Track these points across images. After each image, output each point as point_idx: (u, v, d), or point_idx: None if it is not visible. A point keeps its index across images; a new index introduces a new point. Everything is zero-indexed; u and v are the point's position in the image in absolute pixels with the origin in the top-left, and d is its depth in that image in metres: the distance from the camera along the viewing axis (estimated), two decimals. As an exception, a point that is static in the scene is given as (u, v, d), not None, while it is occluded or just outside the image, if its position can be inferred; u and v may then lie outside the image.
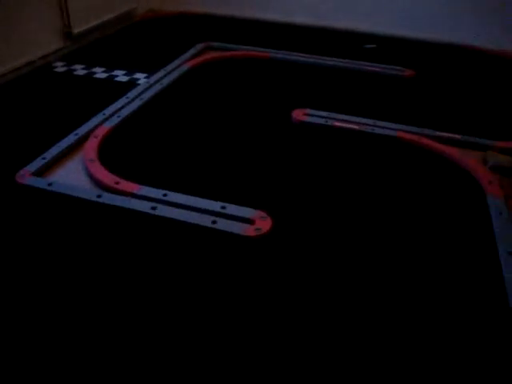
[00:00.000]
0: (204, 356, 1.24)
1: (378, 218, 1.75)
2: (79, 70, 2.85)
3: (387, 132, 2.27)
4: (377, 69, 2.96)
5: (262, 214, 1.70)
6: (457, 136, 2.24)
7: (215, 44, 3.22)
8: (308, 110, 2.43)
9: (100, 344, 1.27)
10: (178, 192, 1.78)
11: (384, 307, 1.40)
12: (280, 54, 3.09)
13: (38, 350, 1.25)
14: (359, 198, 1.85)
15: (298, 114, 2.39)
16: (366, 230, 1.69)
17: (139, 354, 1.24)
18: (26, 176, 1.89)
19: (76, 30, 3.11)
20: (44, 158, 2.00)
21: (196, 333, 1.30)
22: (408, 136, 2.23)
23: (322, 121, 2.35)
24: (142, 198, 1.76)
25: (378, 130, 2.28)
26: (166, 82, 2.67)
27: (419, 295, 1.44)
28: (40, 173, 1.94)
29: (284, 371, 1.21)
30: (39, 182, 1.87)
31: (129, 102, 2.44)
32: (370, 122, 2.35)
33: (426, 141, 2.20)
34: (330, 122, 2.34)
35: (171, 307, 1.38)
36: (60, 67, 2.90)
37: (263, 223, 1.66)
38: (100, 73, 2.83)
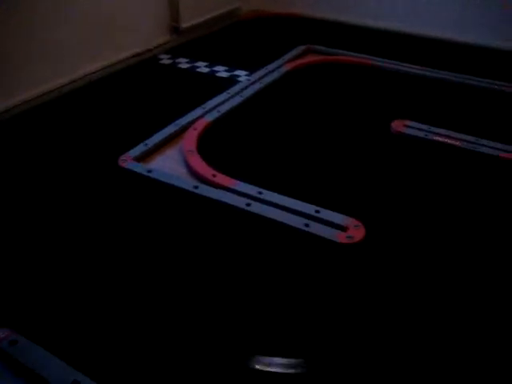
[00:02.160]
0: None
1: (472, 236, 1.67)
2: (183, 64, 2.94)
3: (490, 151, 2.17)
4: (482, 84, 2.83)
5: (356, 222, 1.67)
6: None
7: (317, 47, 3.21)
8: (408, 122, 2.37)
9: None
10: (272, 191, 1.79)
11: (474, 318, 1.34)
12: (382, 62, 3.03)
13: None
14: (455, 215, 1.78)
15: (398, 125, 2.33)
16: (460, 246, 1.62)
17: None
18: (127, 160, 1.97)
19: (183, 25, 3.21)
20: (146, 145, 2.07)
21: (281, 337, 1.31)
22: (512, 157, 2.13)
23: (421, 134, 2.28)
24: (238, 193, 1.78)
25: (480, 149, 2.18)
26: (266, 81, 2.70)
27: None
28: (141, 159, 2.01)
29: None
30: (140, 168, 1.94)
31: (229, 98, 2.48)
32: (473, 139, 2.25)
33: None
34: (429, 136, 2.27)
35: (256, 302, 1.39)
36: (165, 59, 3.00)
37: (356, 232, 1.63)
38: (202, 67, 2.91)
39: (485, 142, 2.23)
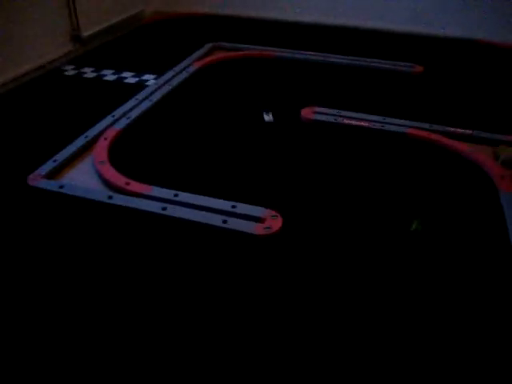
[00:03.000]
0: (211, 355, 1.25)
1: (387, 215, 1.74)
2: (89, 73, 2.87)
3: (397, 129, 2.26)
4: (386, 65, 2.94)
5: (273, 212, 1.69)
6: (468, 131, 2.22)
7: (223, 44, 3.23)
8: (317, 108, 2.42)
9: (104, 345, 1.28)
10: (188, 192, 1.79)
11: (394, 305, 1.39)
12: (287, 53, 3.09)
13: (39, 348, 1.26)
14: (369, 196, 1.84)
15: (307, 113, 2.38)
16: (376, 227, 1.68)
17: (141, 353, 1.25)
18: (37, 179, 1.91)
19: (84, 34, 3.13)
20: (55, 161, 2.01)
21: (205, 333, 1.31)
22: (418, 132, 2.22)
23: (331, 119, 2.35)
24: (153, 198, 1.77)
25: (387, 127, 2.27)
26: (174, 82, 2.68)
27: (431, 293, 1.43)
28: (51, 175, 1.95)
29: (287, 370, 1.21)
30: (51, 185, 1.88)
31: (138, 104, 2.45)
32: (380, 119, 2.34)
33: (436, 137, 2.19)
34: (339, 120, 2.33)
35: (181, 307, 1.38)
36: (70, 70, 2.91)
37: (273, 222, 1.66)
38: (109, 75, 2.84)
39: (392, 120, 2.32)
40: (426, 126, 2.27)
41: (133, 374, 1.20)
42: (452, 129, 2.24)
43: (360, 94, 2.64)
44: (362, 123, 2.31)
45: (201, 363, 1.23)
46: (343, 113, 2.39)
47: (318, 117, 2.35)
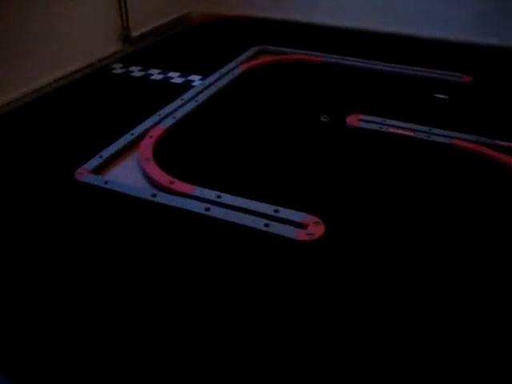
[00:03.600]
0: (248, 358, 1.25)
1: (430, 225, 1.71)
2: (136, 72, 2.92)
3: (443, 139, 2.21)
4: (434, 75, 2.89)
5: (315, 219, 1.68)
6: (517, 145, 2.17)
7: (269, 47, 3.23)
8: (362, 116, 2.40)
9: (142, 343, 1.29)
10: (231, 194, 1.79)
11: (443, 316, 1.36)
12: (333, 59, 3.07)
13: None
14: (413, 205, 1.81)
15: (353, 120, 2.36)
16: (419, 237, 1.65)
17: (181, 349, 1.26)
18: (83, 173, 1.95)
19: (134, 34, 3.19)
20: (101, 157, 2.04)
21: (244, 336, 1.31)
22: (465, 144, 2.17)
23: (376, 127, 2.32)
24: (196, 198, 1.78)
25: (433, 138, 2.23)
26: (220, 84, 2.70)
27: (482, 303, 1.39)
28: (97, 170, 1.99)
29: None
30: (96, 180, 1.91)
31: (184, 104, 2.47)
32: (426, 129, 2.30)
33: (482, 149, 2.14)
34: (384, 128, 2.30)
35: (221, 308, 1.38)
36: (118, 69, 2.97)
37: (316, 228, 1.64)
38: (156, 74, 2.89)
39: (437, 131, 2.28)
40: (474, 137, 2.22)
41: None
42: (500, 141, 2.19)
43: (406, 103, 2.60)
44: (408, 132, 2.28)
45: (237, 364, 1.23)
46: (388, 121, 2.36)
47: (364, 124, 2.33)
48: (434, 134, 2.25)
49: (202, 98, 2.54)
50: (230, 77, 2.79)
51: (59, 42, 2.71)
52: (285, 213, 1.70)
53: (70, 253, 1.58)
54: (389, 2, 3.52)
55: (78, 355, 1.25)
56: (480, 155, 2.12)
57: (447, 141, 2.20)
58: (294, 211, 1.71)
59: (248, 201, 1.76)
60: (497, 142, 2.19)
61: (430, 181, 1.96)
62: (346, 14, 3.66)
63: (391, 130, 2.30)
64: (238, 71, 2.87)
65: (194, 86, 2.70)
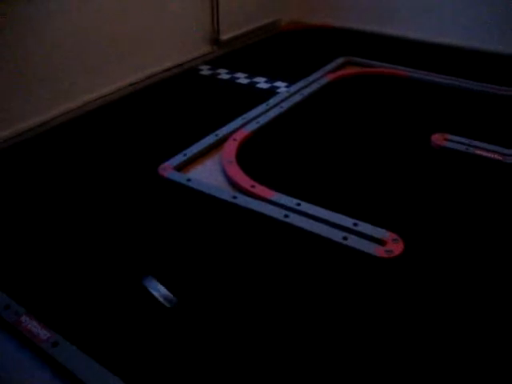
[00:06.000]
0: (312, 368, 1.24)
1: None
2: (223, 75, 2.98)
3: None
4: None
5: (394, 236, 1.66)
6: None
7: (356, 59, 3.21)
8: (448, 136, 2.34)
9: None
10: (310, 203, 1.79)
11: None
12: (420, 74, 3.01)
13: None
14: (495, 230, 1.74)
15: (438, 139, 2.31)
16: (500, 260, 1.59)
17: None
18: (167, 170, 2.01)
19: (223, 37, 3.26)
20: (185, 155, 2.11)
21: (314, 347, 1.30)
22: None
23: (462, 147, 2.25)
24: (276, 204, 1.79)
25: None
26: (305, 92, 2.71)
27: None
28: (180, 168, 2.05)
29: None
30: (179, 177, 1.97)
31: (269, 109, 2.51)
32: (515, 153, 2.21)
33: None
34: (471, 150, 2.23)
35: (292, 315, 1.39)
36: (205, 70, 3.04)
37: (395, 246, 1.62)
38: (242, 78, 2.94)
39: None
40: None
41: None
42: None
43: (493, 124, 2.50)
44: (495, 156, 2.19)
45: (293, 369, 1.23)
46: (475, 143, 2.29)
47: (449, 144, 2.27)
48: (524, 160, 2.16)
49: (286, 104, 2.56)
50: (315, 86, 2.80)
51: (153, 42, 2.82)
52: (364, 227, 1.68)
53: (152, 248, 1.64)
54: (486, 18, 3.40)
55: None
56: None
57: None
58: (373, 226, 1.69)
59: (327, 211, 1.75)
60: None
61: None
62: (436, 28, 3.57)
63: (478, 151, 2.22)
64: (323, 81, 2.87)
65: (279, 93, 2.73)
